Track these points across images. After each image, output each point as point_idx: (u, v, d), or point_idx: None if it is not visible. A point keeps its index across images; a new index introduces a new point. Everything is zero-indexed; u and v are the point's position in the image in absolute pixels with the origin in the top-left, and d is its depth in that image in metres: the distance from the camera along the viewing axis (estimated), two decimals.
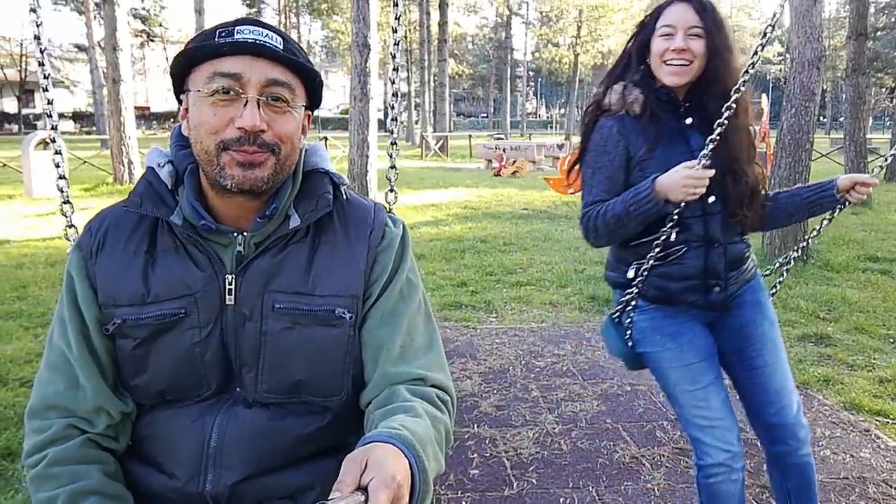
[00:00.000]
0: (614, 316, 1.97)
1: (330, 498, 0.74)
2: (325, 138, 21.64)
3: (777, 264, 2.19)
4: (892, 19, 38.09)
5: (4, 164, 13.23)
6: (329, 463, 1.15)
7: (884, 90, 42.61)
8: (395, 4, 1.45)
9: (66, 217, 1.49)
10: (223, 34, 1.05)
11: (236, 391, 1.15)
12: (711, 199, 1.79)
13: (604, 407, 3.31)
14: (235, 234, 1.12)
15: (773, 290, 2.10)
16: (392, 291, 1.18)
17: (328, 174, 1.21)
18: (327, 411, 1.17)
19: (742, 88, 1.71)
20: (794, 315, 4.93)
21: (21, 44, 40.66)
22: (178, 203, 1.13)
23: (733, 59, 1.80)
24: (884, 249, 7.42)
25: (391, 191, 1.43)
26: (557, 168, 12.51)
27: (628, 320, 1.92)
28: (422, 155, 25.39)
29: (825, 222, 2.01)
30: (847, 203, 1.89)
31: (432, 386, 1.14)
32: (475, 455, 2.82)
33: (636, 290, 1.86)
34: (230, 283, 1.12)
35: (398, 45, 1.39)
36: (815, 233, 2.08)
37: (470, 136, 30.89)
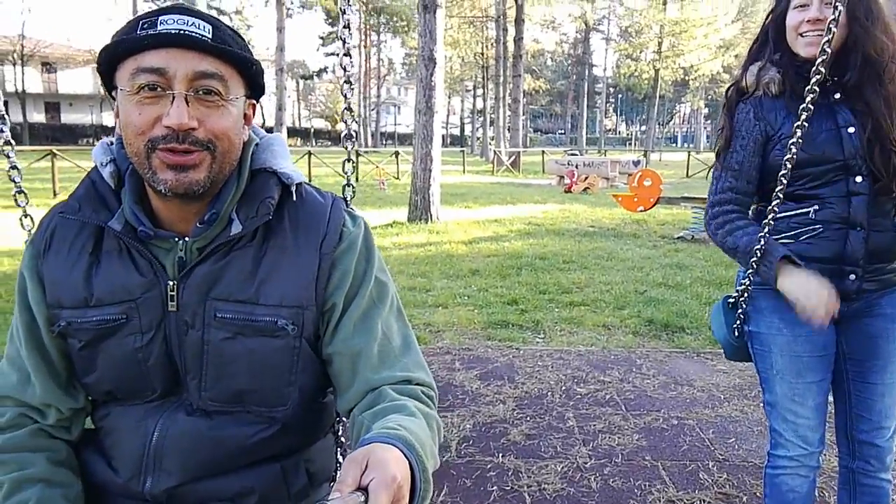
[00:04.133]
0: (730, 299, 1.91)
1: (330, 498, 0.73)
2: (397, 153, 21.89)
3: None
4: None
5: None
6: (272, 468, 1.16)
7: None
8: (343, 12, 1.39)
9: (21, 207, 1.41)
10: (146, 25, 0.99)
11: (183, 395, 1.14)
12: (858, 178, 1.67)
13: (645, 442, 3.03)
14: (177, 240, 1.08)
15: None
16: (362, 297, 1.13)
17: (276, 174, 1.13)
18: (274, 421, 1.14)
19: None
20: None
21: None
22: (121, 205, 1.08)
23: (877, 26, 1.66)
24: None
25: (348, 185, 1.39)
26: (629, 185, 12.10)
27: (740, 309, 1.86)
28: (493, 171, 25.33)
29: None
30: None
31: (417, 384, 1.12)
32: (494, 488, 2.61)
33: (754, 271, 1.75)
34: (172, 290, 1.09)
35: (348, 55, 1.33)
36: None
37: (543, 151, 30.56)
